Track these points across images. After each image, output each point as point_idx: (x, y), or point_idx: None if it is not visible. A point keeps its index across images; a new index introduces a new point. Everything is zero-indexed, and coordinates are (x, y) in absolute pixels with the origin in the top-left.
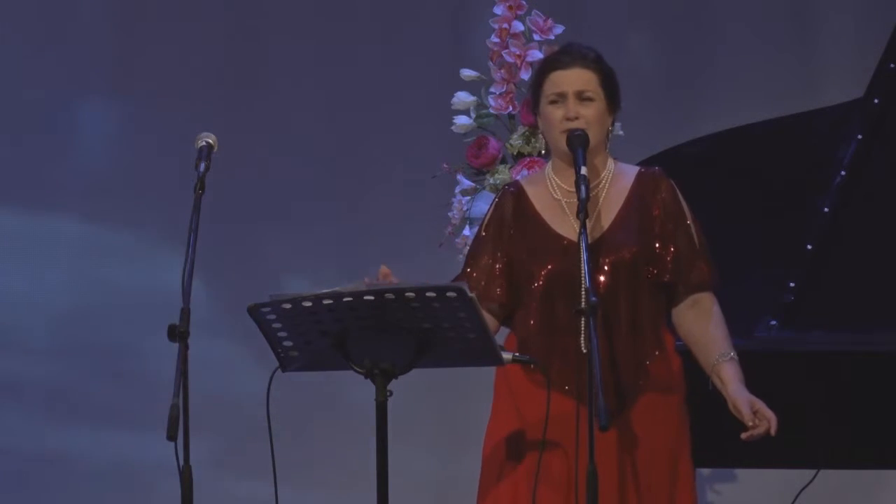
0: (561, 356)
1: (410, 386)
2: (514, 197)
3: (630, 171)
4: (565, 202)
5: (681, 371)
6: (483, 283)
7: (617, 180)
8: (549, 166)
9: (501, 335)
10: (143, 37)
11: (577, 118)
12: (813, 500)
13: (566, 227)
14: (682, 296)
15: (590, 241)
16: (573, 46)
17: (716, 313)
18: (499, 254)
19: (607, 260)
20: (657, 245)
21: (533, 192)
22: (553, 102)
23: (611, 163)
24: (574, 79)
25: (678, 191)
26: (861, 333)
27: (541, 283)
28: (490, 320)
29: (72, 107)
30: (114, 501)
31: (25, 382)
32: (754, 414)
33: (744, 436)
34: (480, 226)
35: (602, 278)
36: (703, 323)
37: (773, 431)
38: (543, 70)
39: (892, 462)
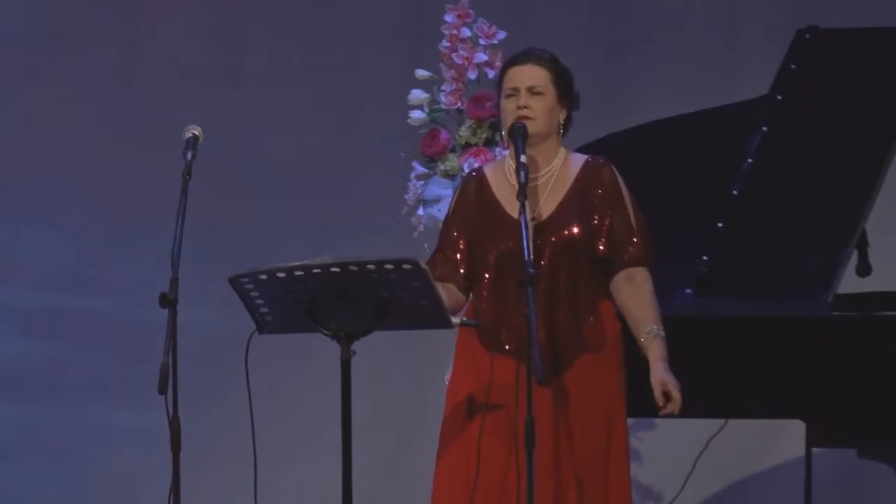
0: (509, 322)
1: (377, 347)
2: (475, 182)
3: (578, 160)
4: (516, 181)
5: (617, 336)
6: (451, 264)
7: (566, 168)
8: (508, 155)
9: None
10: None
11: (526, 108)
12: (723, 444)
13: (517, 207)
14: (618, 270)
15: (537, 222)
16: (531, 48)
17: (648, 288)
18: (463, 234)
19: (551, 239)
20: (595, 225)
21: (492, 178)
22: (509, 96)
23: (562, 152)
24: (526, 75)
25: (619, 177)
26: (764, 301)
27: (494, 258)
28: (457, 295)
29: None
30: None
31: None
32: (664, 395)
33: (660, 413)
34: (447, 211)
35: (546, 255)
36: (635, 297)
37: (676, 412)
38: (503, 68)
39: (789, 412)
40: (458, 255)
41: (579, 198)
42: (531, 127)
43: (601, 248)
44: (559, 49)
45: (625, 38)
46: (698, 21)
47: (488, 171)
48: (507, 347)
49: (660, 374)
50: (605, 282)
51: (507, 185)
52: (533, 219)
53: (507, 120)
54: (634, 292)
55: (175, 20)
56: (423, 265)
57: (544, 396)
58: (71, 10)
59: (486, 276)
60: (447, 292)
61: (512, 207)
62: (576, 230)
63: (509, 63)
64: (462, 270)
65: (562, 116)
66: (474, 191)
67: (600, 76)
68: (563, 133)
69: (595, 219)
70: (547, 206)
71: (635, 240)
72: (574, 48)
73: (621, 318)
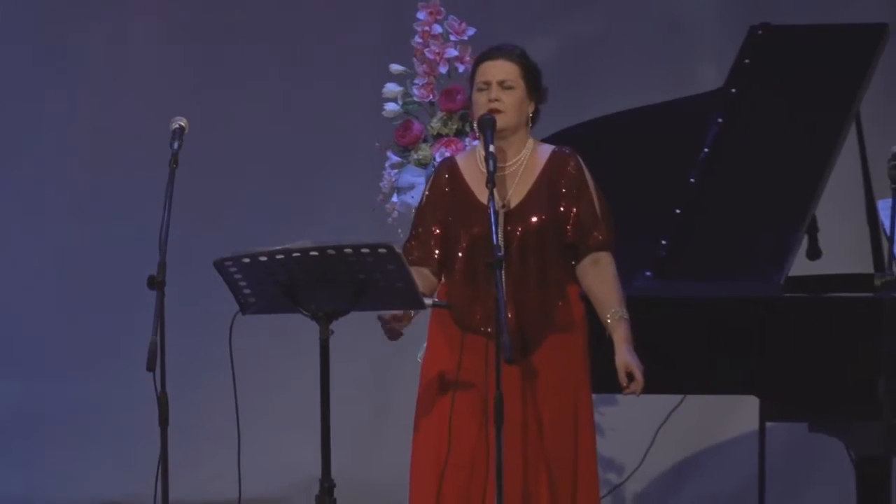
0: (481, 303)
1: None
2: (447, 170)
3: (546, 150)
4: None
5: (582, 317)
6: (425, 249)
7: (534, 158)
8: (479, 145)
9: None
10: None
11: (497, 101)
12: (681, 419)
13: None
14: (584, 254)
15: (507, 209)
16: (502, 44)
17: (612, 272)
18: (436, 220)
19: (520, 225)
20: (562, 212)
21: (464, 166)
22: (480, 89)
23: (530, 142)
24: (497, 70)
25: (584, 166)
26: (718, 282)
27: (466, 242)
28: (430, 279)
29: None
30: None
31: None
32: (627, 376)
33: (623, 393)
34: (421, 199)
35: (515, 240)
36: (600, 280)
37: (638, 393)
38: (475, 62)
39: (743, 388)
40: (432, 241)
41: (547, 186)
42: (501, 120)
43: (568, 234)
44: (525, 45)
45: (588, 34)
46: (658, 17)
47: (460, 161)
48: (478, 327)
49: (624, 356)
50: (572, 266)
51: (478, 174)
52: (503, 206)
53: (479, 112)
54: (599, 275)
55: (157, 16)
56: (398, 249)
57: (514, 375)
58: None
59: (459, 259)
60: (421, 277)
61: (482, 194)
62: (544, 217)
63: (481, 58)
64: (436, 255)
65: (530, 109)
66: (446, 179)
67: (563, 70)
68: (532, 125)
69: (562, 206)
70: (516, 194)
71: (600, 226)
72: (540, 43)
73: (585, 300)
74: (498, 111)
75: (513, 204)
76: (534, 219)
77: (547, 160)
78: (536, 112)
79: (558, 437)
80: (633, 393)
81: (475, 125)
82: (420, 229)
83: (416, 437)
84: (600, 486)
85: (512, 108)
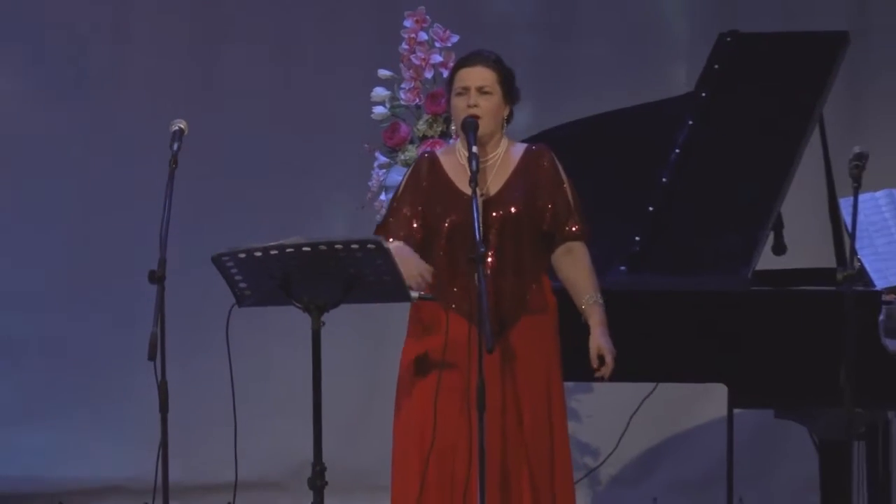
0: (460, 290)
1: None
2: (428, 162)
3: (520, 147)
4: (468, 168)
5: (554, 306)
6: (402, 229)
7: (508, 155)
8: (458, 143)
9: None
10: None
11: (475, 106)
12: (654, 406)
13: (468, 185)
14: (559, 244)
15: (484, 201)
16: (480, 51)
17: (586, 260)
18: (415, 206)
19: (499, 213)
20: (539, 204)
21: (444, 160)
22: (459, 94)
23: (505, 141)
24: (476, 75)
25: (557, 161)
26: (688, 276)
27: (446, 229)
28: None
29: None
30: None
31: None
32: (599, 359)
33: (594, 375)
34: (399, 185)
35: (494, 227)
36: (575, 268)
37: (606, 377)
38: (454, 69)
39: (712, 377)
40: (414, 223)
41: (523, 178)
42: (480, 125)
43: (544, 224)
44: (504, 53)
45: (567, 40)
46: (634, 26)
47: (440, 154)
48: (458, 312)
49: (597, 340)
50: (545, 257)
51: (458, 165)
52: (482, 195)
53: (459, 116)
54: (574, 264)
55: (159, 23)
56: (386, 245)
57: (492, 357)
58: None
59: (439, 245)
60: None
61: (463, 184)
62: (520, 206)
63: (460, 64)
64: (417, 240)
65: (506, 112)
66: (427, 169)
67: (543, 74)
68: (507, 125)
69: (538, 198)
70: (494, 184)
71: (573, 217)
72: (520, 49)
73: (557, 293)
74: (476, 117)
75: (491, 192)
76: (511, 208)
77: (522, 155)
78: (511, 113)
79: (535, 416)
80: (602, 376)
81: (453, 128)
82: (404, 210)
83: (398, 420)
84: (578, 470)
85: (489, 112)
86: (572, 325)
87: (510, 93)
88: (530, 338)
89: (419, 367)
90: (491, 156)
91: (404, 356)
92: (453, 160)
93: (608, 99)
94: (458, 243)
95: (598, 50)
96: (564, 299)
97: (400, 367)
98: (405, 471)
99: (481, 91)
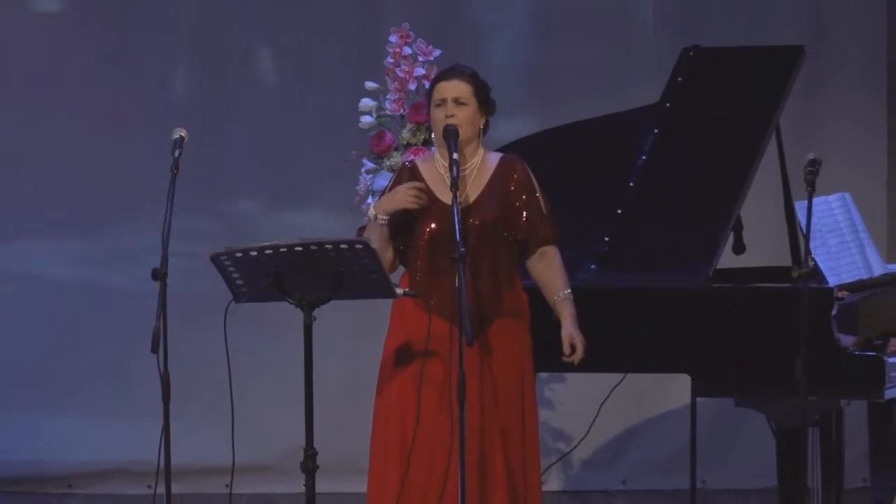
0: (439, 290)
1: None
2: (409, 171)
3: (495, 157)
4: (446, 176)
5: (526, 305)
6: (387, 231)
7: (484, 163)
8: (436, 152)
9: (399, 273)
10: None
11: (452, 117)
12: (622, 394)
13: (446, 194)
14: (533, 249)
15: (462, 207)
16: (456, 65)
17: (558, 261)
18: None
19: (474, 221)
20: (513, 212)
21: (424, 168)
22: (438, 106)
23: (481, 150)
24: (452, 88)
25: (530, 171)
26: (654, 274)
27: (426, 235)
28: (391, 258)
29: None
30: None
31: None
32: (570, 347)
33: (563, 359)
34: (383, 191)
35: (472, 233)
36: (548, 269)
37: (576, 362)
38: (433, 82)
39: (676, 368)
40: (394, 230)
41: (498, 186)
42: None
43: (520, 233)
44: (479, 68)
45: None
46: (605, 42)
47: (420, 163)
48: (443, 313)
49: (569, 330)
50: (518, 259)
51: (437, 174)
52: (460, 202)
53: (438, 126)
54: (547, 265)
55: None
56: (372, 245)
57: (471, 352)
58: None
59: (419, 250)
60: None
61: (441, 192)
62: (496, 213)
63: (438, 78)
64: (398, 241)
65: (481, 122)
66: (408, 178)
67: (521, 86)
68: (483, 135)
69: (512, 206)
70: (472, 191)
71: (545, 222)
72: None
73: (528, 292)
74: (454, 126)
75: (470, 200)
76: (488, 214)
77: (497, 165)
78: (486, 124)
79: (509, 406)
80: (572, 361)
81: (434, 136)
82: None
83: (379, 406)
84: (552, 454)
85: (465, 122)
86: (546, 321)
87: (485, 104)
88: (506, 335)
89: (399, 357)
90: (468, 164)
91: (386, 348)
92: (432, 169)
93: (582, 109)
94: (437, 248)
95: (575, 63)
96: (537, 298)
97: (382, 357)
98: (385, 458)
99: (457, 102)
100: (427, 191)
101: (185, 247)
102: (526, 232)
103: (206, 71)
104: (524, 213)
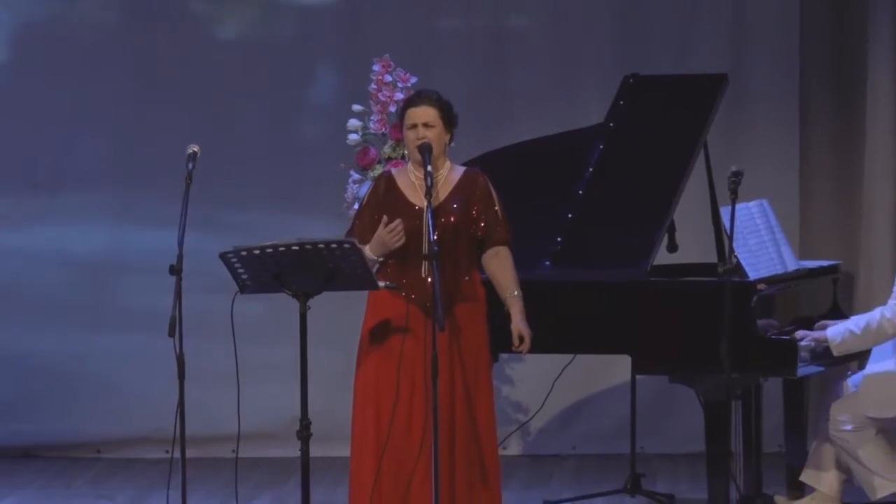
0: (411, 281)
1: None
2: (385, 180)
3: (459, 169)
4: (418, 184)
5: (484, 296)
6: (365, 231)
7: (450, 174)
8: (409, 164)
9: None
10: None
11: (424, 138)
12: (573, 372)
13: (417, 198)
14: (488, 247)
15: (433, 206)
16: (423, 91)
17: (510, 262)
18: (374, 214)
19: (441, 219)
20: (473, 215)
21: (399, 177)
22: (410, 128)
23: (448, 163)
24: (421, 113)
25: (489, 182)
26: (600, 269)
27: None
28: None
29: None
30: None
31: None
32: (519, 339)
33: (513, 350)
34: (363, 198)
35: (436, 233)
36: (501, 268)
37: (525, 352)
38: (405, 107)
39: (619, 349)
40: (374, 232)
41: (461, 194)
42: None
43: (478, 232)
44: (450, 90)
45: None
46: (557, 70)
47: (395, 173)
48: (414, 301)
49: (518, 324)
50: (476, 256)
51: (409, 182)
52: (429, 204)
53: (411, 145)
54: (500, 264)
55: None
56: (359, 245)
57: (440, 336)
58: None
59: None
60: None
61: (413, 197)
62: (458, 216)
63: (408, 104)
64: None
65: (447, 139)
66: (384, 187)
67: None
68: (448, 146)
69: (473, 211)
70: (438, 199)
71: (501, 226)
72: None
73: (486, 285)
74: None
75: (435, 205)
76: (451, 217)
77: (461, 175)
78: (451, 137)
79: (471, 380)
80: (520, 352)
81: (408, 152)
82: (366, 218)
83: (360, 380)
84: (511, 424)
85: (434, 140)
86: (497, 313)
87: (450, 122)
88: (465, 319)
89: (374, 337)
90: (438, 174)
91: (363, 329)
92: (405, 179)
93: (537, 128)
94: (408, 245)
95: (529, 86)
96: (495, 292)
97: (360, 337)
98: (365, 424)
99: (426, 125)
100: (400, 196)
101: (197, 247)
102: (483, 232)
103: (221, 92)
104: (483, 216)
